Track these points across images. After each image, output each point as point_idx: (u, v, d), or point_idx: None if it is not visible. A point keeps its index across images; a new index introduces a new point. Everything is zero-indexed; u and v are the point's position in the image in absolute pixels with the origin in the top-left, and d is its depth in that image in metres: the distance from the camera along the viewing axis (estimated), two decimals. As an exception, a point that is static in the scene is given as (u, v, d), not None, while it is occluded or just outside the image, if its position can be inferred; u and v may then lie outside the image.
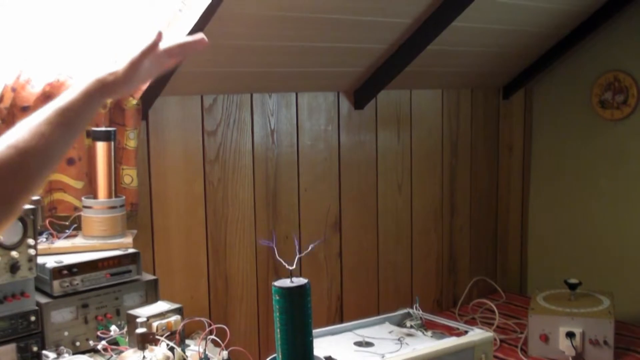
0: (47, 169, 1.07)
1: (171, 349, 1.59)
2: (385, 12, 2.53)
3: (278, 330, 1.43)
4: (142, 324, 1.54)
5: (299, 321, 1.42)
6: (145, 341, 1.44)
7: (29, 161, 1.02)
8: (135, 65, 1.18)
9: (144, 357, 1.44)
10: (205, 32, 2.06)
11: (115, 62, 1.18)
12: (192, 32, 2.04)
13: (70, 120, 1.08)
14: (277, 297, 1.42)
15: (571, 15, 3.17)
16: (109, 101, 2.16)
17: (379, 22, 2.58)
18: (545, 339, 2.84)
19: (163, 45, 1.21)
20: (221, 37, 2.20)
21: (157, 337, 1.56)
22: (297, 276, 1.45)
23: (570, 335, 2.80)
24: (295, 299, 1.42)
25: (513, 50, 3.31)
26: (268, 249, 2.79)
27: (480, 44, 3.10)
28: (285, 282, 1.44)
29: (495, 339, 2.96)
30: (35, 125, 1.04)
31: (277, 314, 1.43)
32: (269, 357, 1.50)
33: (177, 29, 2.04)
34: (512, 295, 3.65)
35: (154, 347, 1.51)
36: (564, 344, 2.81)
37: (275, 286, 1.43)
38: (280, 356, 1.44)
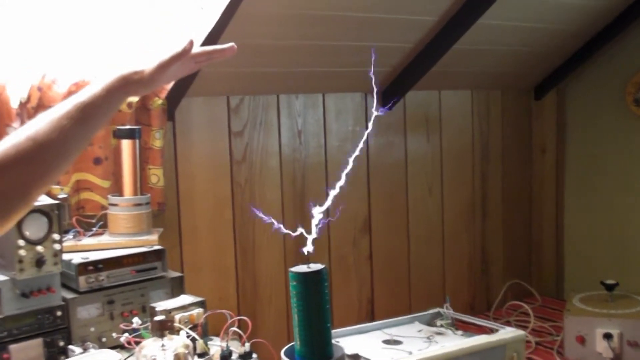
0: (64, 163, 1.08)
1: (193, 340, 1.59)
2: (410, 9, 2.52)
3: (295, 316, 1.42)
4: (161, 312, 1.54)
5: (315, 307, 1.41)
6: (163, 328, 1.44)
7: (46, 154, 1.02)
8: (163, 68, 1.19)
9: (162, 345, 1.43)
10: (226, 31, 2.10)
11: (142, 60, 1.19)
12: (213, 31, 2.05)
13: (91, 115, 1.09)
14: (294, 283, 1.42)
15: (603, 11, 3.11)
16: (134, 100, 2.19)
17: (404, 20, 2.57)
18: (581, 340, 2.77)
19: (193, 51, 1.23)
20: (243, 37, 2.21)
21: (179, 326, 1.56)
22: (314, 262, 1.45)
23: (607, 336, 2.72)
24: (312, 284, 1.41)
25: (543, 49, 3.26)
26: (297, 250, 2.77)
27: (508, 42, 3.06)
28: (301, 268, 1.43)
29: (530, 342, 2.90)
30: (55, 119, 1.05)
31: (294, 299, 1.42)
32: (288, 345, 1.49)
33: (199, 28, 2.06)
34: (548, 298, 3.57)
35: (174, 336, 1.51)
36: (601, 346, 2.73)
37: (291, 272, 1.42)
38: (298, 342, 1.42)
